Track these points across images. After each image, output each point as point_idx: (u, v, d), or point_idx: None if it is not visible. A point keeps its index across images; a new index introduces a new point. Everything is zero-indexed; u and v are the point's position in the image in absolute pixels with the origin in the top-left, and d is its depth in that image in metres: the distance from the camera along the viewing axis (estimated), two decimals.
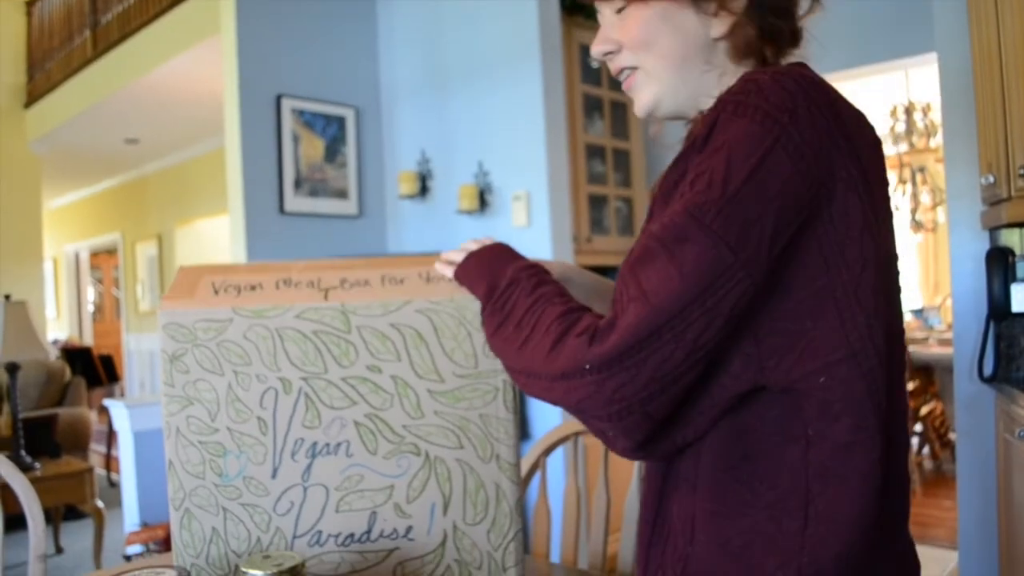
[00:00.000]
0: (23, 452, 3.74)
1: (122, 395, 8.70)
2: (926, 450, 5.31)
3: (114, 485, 5.79)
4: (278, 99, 3.92)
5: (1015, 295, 2.34)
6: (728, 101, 0.79)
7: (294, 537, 1.04)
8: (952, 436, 5.12)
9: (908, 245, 8.08)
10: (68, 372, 5.82)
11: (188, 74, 5.23)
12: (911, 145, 5.95)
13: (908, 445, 0.88)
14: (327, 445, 1.04)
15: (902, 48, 3.48)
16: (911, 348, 5.06)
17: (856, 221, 0.78)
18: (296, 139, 3.98)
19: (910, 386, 4.91)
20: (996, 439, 2.44)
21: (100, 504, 3.93)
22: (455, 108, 4.01)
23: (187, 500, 1.03)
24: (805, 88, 0.77)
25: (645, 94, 0.93)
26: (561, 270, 1.12)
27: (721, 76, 0.90)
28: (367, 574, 1.05)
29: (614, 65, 0.95)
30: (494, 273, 0.96)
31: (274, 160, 3.92)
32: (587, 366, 0.75)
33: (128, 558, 3.51)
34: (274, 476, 1.03)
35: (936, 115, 5.73)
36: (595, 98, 4.15)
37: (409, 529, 1.05)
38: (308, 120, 4.03)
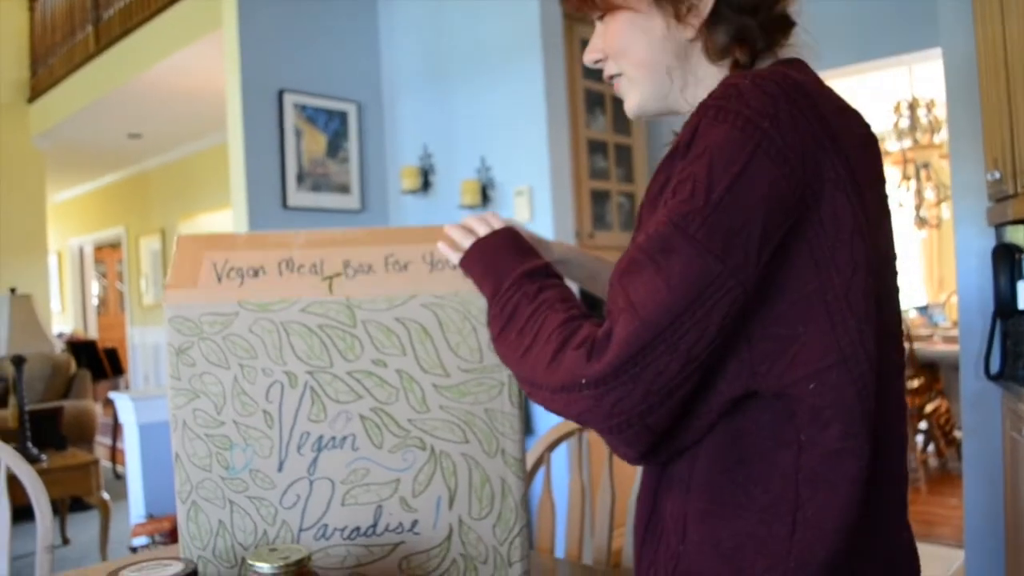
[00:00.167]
0: (29, 444, 3.76)
1: (127, 388, 8.71)
2: (931, 448, 5.31)
3: (120, 477, 5.81)
4: (280, 94, 3.92)
5: (1021, 292, 2.33)
6: (709, 106, 0.78)
7: (300, 530, 1.04)
8: (957, 434, 5.12)
9: (912, 242, 8.07)
10: (73, 365, 5.84)
11: (190, 69, 5.23)
12: (915, 141, 5.94)
13: (904, 445, 0.88)
14: (333, 439, 1.04)
15: (906, 43, 3.47)
16: (916, 345, 5.05)
17: (846, 224, 0.77)
18: (298, 134, 3.98)
19: (914, 383, 4.91)
20: (1003, 437, 2.44)
21: (106, 496, 3.94)
22: (457, 103, 4.01)
23: (194, 493, 1.03)
24: (786, 91, 0.77)
25: (630, 99, 0.96)
26: (561, 251, 1.14)
27: (702, 77, 0.91)
28: (373, 568, 1.05)
29: (604, 72, 0.98)
30: (499, 272, 0.96)
31: (276, 155, 3.92)
32: (584, 380, 0.76)
33: (134, 550, 3.52)
34: (280, 469, 1.03)
35: (940, 111, 5.72)
36: (597, 93, 4.14)
37: (415, 523, 1.05)
38: (310, 115, 4.03)
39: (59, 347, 3.95)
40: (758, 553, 0.79)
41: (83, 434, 5.28)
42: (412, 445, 1.05)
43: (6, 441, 1.77)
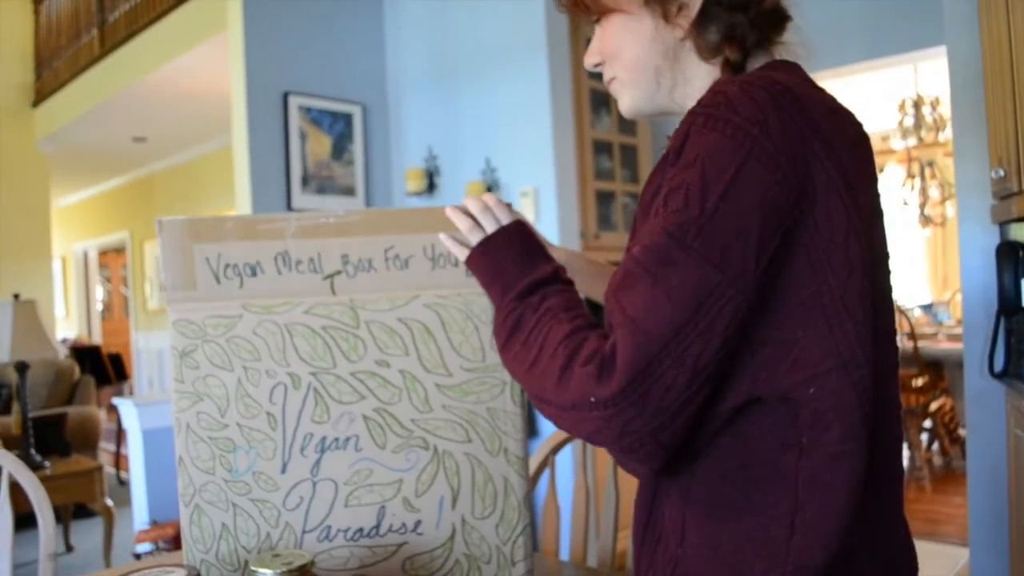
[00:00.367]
0: (33, 451, 3.76)
1: (131, 393, 8.73)
2: (936, 446, 5.30)
3: (123, 483, 5.82)
4: (285, 96, 3.93)
5: None
6: (699, 113, 0.78)
7: (303, 532, 1.04)
8: (962, 432, 5.10)
9: (917, 240, 8.05)
10: (77, 371, 5.84)
11: (195, 72, 5.24)
12: (920, 139, 5.93)
13: (900, 444, 0.88)
14: (336, 440, 1.04)
15: (911, 42, 3.46)
16: (921, 344, 5.04)
17: (840, 226, 0.77)
18: (303, 136, 3.98)
19: (919, 382, 4.90)
20: (1007, 435, 2.43)
21: (110, 502, 3.94)
22: (462, 104, 4.01)
23: (197, 496, 1.03)
24: (774, 97, 0.76)
25: (623, 101, 0.96)
26: (562, 257, 1.13)
27: (692, 77, 0.91)
28: (376, 569, 1.05)
29: (604, 76, 0.99)
30: (505, 278, 0.94)
31: (281, 158, 3.92)
32: (593, 399, 0.74)
33: (138, 556, 3.52)
34: (283, 471, 1.03)
35: (945, 109, 5.70)
36: (602, 94, 4.14)
37: (418, 523, 1.05)
38: (315, 117, 4.04)
39: (63, 353, 3.94)
40: (757, 556, 0.79)
41: (87, 440, 5.28)
42: (415, 445, 1.05)
43: (9, 448, 1.77)
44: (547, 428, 3.53)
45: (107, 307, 12.90)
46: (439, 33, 4.11)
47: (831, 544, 0.78)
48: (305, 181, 3.98)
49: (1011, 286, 2.35)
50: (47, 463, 3.81)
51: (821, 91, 0.84)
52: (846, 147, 0.80)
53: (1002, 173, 2.24)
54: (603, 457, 3.37)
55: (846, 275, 0.77)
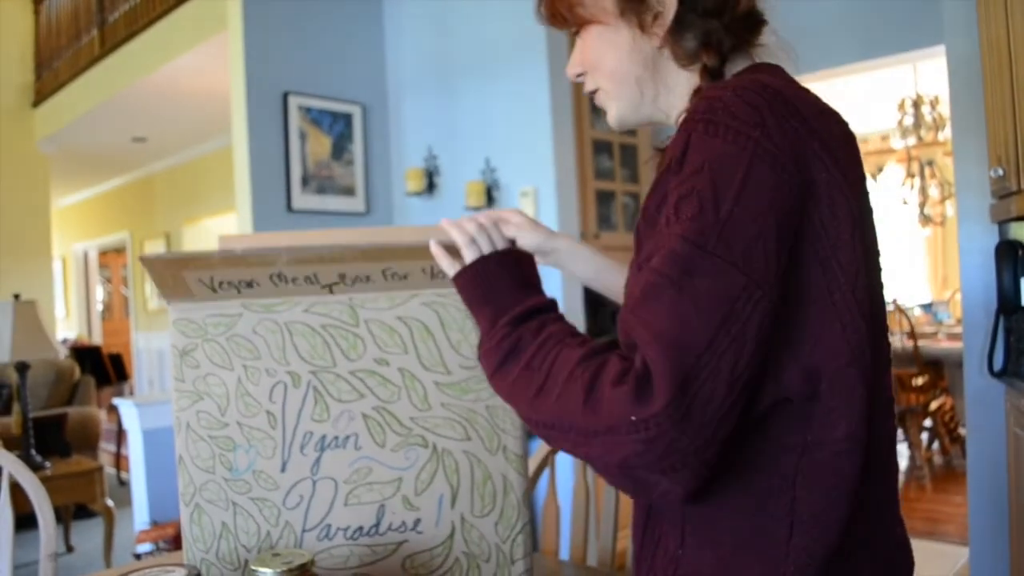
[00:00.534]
0: (33, 451, 3.75)
1: (131, 394, 8.73)
2: (936, 445, 5.30)
3: (124, 484, 5.82)
4: (285, 96, 3.93)
5: None
6: (698, 120, 0.77)
7: (303, 531, 1.04)
8: (962, 431, 5.10)
9: (917, 239, 8.05)
10: (77, 371, 5.84)
11: (195, 72, 5.24)
12: (919, 138, 5.93)
13: (895, 439, 0.88)
14: (336, 438, 1.04)
15: (910, 41, 3.46)
16: (921, 343, 5.04)
17: (846, 223, 0.77)
18: (303, 136, 3.98)
19: (919, 381, 4.90)
20: (1006, 434, 2.43)
21: (110, 503, 3.94)
22: (462, 104, 4.01)
23: (197, 495, 1.03)
24: (767, 99, 0.76)
25: (609, 111, 0.97)
26: (569, 244, 1.12)
27: (672, 85, 0.91)
28: (376, 568, 1.05)
29: (586, 86, 0.98)
30: (497, 302, 0.91)
31: (281, 158, 3.92)
32: (633, 419, 0.70)
33: (138, 556, 3.52)
34: (283, 470, 1.04)
35: (944, 108, 5.70)
36: None
37: (417, 522, 1.05)
38: (315, 117, 4.04)
39: (63, 353, 3.94)
40: (756, 557, 0.79)
41: (87, 440, 5.28)
42: (414, 443, 1.05)
43: (10, 448, 1.77)
44: None
45: (107, 307, 12.91)
46: (439, 33, 4.11)
47: (831, 542, 0.78)
48: (305, 181, 3.98)
49: (1010, 285, 2.35)
50: (47, 463, 3.81)
51: (807, 92, 0.84)
52: (839, 146, 0.80)
53: (1001, 172, 2.24)
54: None
55: (854, 272, 0.78)
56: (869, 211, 0.85)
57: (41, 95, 7.19)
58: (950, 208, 6.48)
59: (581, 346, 0.80)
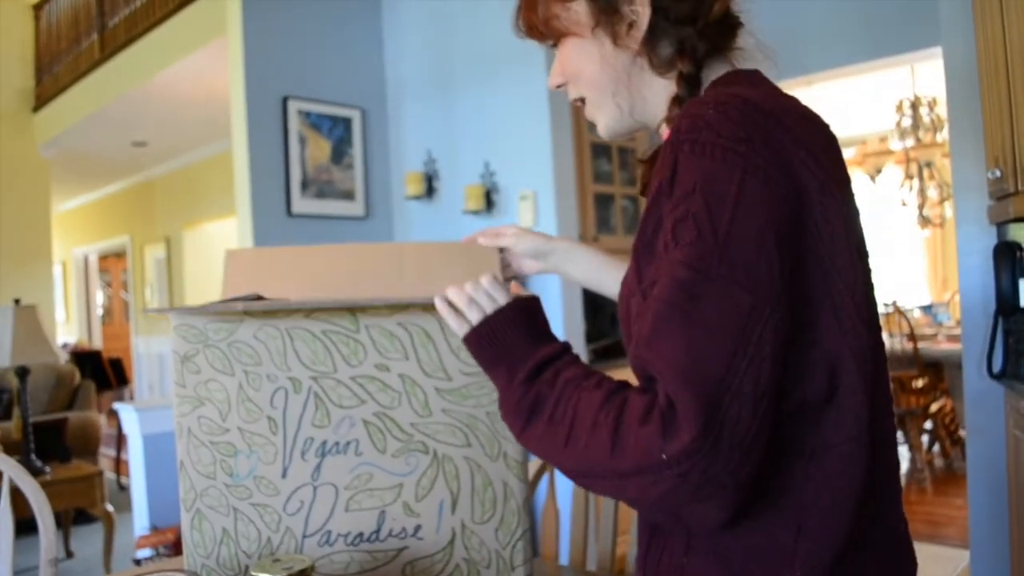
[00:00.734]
0: (33, 456, 3.76)
1: (131, 398, 8.73)
2: (936, 448, 5.30)
3: (124, 489, 5.81)
4: (284, 101, 3.93)
5: (1023, 290, 2.33)
6: (683, 140, 0.77)
7: (304, 537, 1.04)
8: (962, 433, 5.10)
9: (916, 241, 8.06)
10: (78, 376, 5.84)
11: (195, 76, 5.25)
12: (917, 140, 5.93)
13: (895, 436, 0.88)
14: (336, 444, 1.04)
15: (907, 43, 3.47)
16: (921, 345, 5.04)
17: (839, 228, 0.78)
18: (303, 141, 3.99)
19: (919, 383, 4.90)
20: (1006, 436, 2.43)
21: (110, 508, 3.94)
22: (461, 108, 4.02)
23: (198, 500, 1.03)
24: (749, 113, 0.77)
25: (598, 121, 0.98)
26: (567, 246, 1.13)
27: (650, 95, 0.93)
28: (377, 573, 1.05)
29: (570, 94, 0.99)
30: (511, 360, 0.89)
31: (281, 162, 3.93)
32: (664, 457, 0.70)
33: (138, 562, 3.52)
34: (284, 476, 1.04)
35: (942, 109, 5.71)
36: None
37: (418, 528, 1.06)
38: (314, 122, 4.04)
39: (63, 357, 3.94)
40: (763, 564, 0.79)
41: (87, 445, 5.28)
42: (415, 449, 1.05)
43: (10, 453, 1.77)
44: None
45: (107, 312, 12.91)
46: (438, 37, 4.11)
47: (837, 545, 0.78)
48: (305, 185, 3.99)
49: (1009, 286, 2.35)
50: (47, 468, 3.81)
51: (787, 98, 0.84)
52: (823, 150, 0.81)
53: (998, 174, 2.25)
54: None
55: (852, 277, 0.78)
56: (856, 212, 0.85)
57: (41, 99, 7.20)
58: (949, 209, 6.49)
59: (598, 388, 0.80)
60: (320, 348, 1.04)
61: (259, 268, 1.10)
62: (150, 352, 8.67)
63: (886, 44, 3.54)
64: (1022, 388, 2.19)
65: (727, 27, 0.92)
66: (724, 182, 0.74)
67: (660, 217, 0.78)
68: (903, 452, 5.05)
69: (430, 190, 4.15)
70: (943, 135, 5.79)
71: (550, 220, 3.62)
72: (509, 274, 1.17)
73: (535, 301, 0.95)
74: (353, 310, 1.04)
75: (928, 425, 5.16)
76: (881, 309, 4.89)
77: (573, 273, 1.16)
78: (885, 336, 4.74)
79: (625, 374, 0.79)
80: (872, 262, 0.86)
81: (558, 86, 0.99)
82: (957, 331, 5.41)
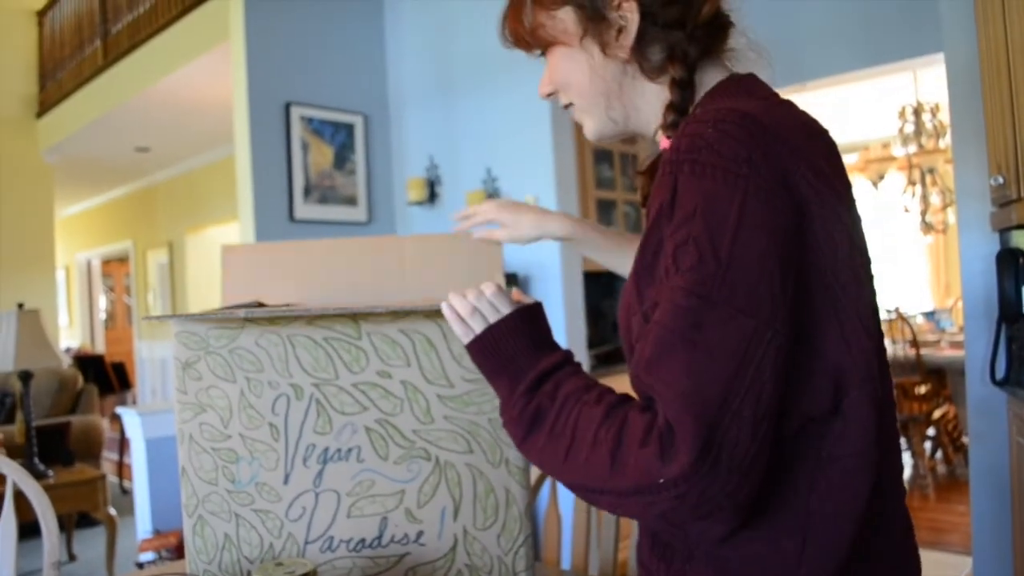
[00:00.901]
0: (36, 460, 3.76)
1: (134, 402, 8.73)
2: (939, 455, 5.28)
3: (127, 492, 5.81)
4: (287, 107, 3.94)
5: None
6: (683, 161, 0.76)
7: (306, 543, 1.04)
8: (965, 440, 5.09)
9: (919, 247, 8.05)
10: (80, 380, 5.84)
11: (198, 82, 5.26)
12: (920, 146, 5.93)
13: (898, 443, 0.88)
14: (338, 451, 1.04)
15: (910, 49, 3.47)
16: (923, 351, 5.04)
17: (843, 241, 0.78)
18: (305, 147, 3.99)
19: (922, 390, 4.89)
20: (1009, 442, 2.43)
21: (113, 511, 3.94)
22: (463, 114, 4.02)
23: (200, 506, 1.03)
24: (748, 130, 0.76)
25: (586, 127, 0.98)
26: (572, 227, 1.14)
27: (641, 104, 0.93)
28: None
29: (561, 101, 1.00)
30: (513, 370, 0.89)
31: (283, 168, 3.93)
32: (662, 480, 0.71)
33: (141, 566, 3.52)
34: (286, 482, 1.04)
35: (945, 115, 5.71)
36: None
37: (420, 534, 1.06)
38: (317, 128, 4.05)
39: (66, 362, 3.94)
40: (766, 573, 0.79)
41: (90, 449, 5.28)
42: (417, 456, 1.05)
43: (13, 457, 1.78)
44: None
45: (110, 316, 12.92)
46: (440, 43, 4.12)
47: (841, 556, 0.78)
48: (307, 191, 3.99)
49: (1012, 293, 2.35)
50: (50, 472, 3.81)
51: (786, 107, 0.84)
52: (824, 160, 0.80)
53: (1001, 180, 2.25)
54: None
55: (855, 290, 0.78)
56: (858, 219, 0.85)
57: (45, 106, 7.22)
58: (952, 216, 6.48)
59: (599, 403, 0.79)
60: (322, 355, 1.04)
61: (258, 266, 1.11)
62: (153, 356, 8.68)
63: (888, 50, 3.54)
64: None
65: (718, 28, 0.91)
66: (725, 203, 0.73)
67: (661, 239, 0.78)
68: (906, 459, 5.03)
69: (432, 196, 4.16)
70: (946, 141, 5.79)
71: None
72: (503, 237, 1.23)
73: (537, 307, 0.94)
74: (355, 317, 1.04)
75: (931, 432, 5.15)
76: (884, 315, 4.91)
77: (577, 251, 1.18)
78: (888, 343, 4.73)
79: (626, 381, 0.79)
80: (874, 268, 0.86)
81: (548, 95, 1.00)
82: (960, 337, 5.40)
